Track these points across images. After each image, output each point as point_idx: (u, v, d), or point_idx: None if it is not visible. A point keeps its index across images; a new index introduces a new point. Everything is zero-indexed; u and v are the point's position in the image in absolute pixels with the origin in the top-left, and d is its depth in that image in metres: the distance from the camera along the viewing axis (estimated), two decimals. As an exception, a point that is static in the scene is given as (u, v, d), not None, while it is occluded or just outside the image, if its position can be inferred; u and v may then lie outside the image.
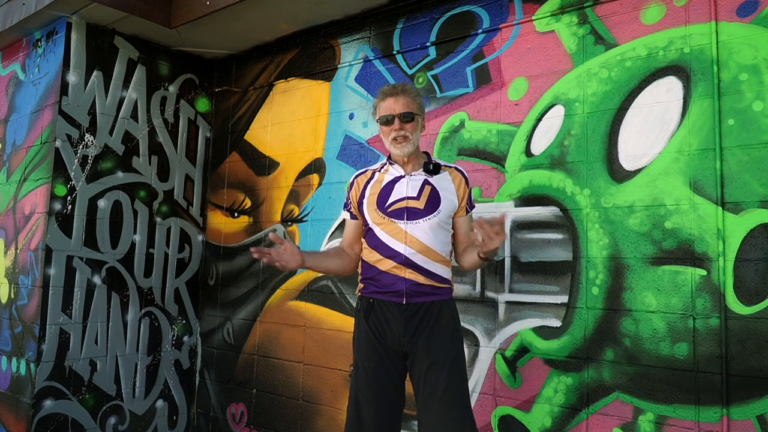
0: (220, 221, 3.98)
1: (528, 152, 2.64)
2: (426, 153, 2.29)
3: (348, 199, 2.32)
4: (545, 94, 2.62)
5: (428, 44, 3.04)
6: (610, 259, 2.38)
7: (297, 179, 3.55)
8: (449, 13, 2.99)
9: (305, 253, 2.21)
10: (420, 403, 2.06)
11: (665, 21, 2.35)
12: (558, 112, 2.58)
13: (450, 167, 2.24)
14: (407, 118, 2.15)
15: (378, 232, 2.18)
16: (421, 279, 2.11)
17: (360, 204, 2.26)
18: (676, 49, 2.31)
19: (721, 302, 2.13)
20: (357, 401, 2.13)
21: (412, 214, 2.13)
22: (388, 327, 2.11)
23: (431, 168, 2.19)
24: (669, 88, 2.31)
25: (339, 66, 3.43)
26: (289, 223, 3.56)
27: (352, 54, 3.38)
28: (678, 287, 2.23)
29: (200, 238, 4.04)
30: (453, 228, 2.22)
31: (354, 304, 3.17)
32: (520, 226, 2.63)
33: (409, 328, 2.08)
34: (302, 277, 3.45)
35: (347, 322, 3.19)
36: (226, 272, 3.88)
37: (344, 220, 3.23)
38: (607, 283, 2.39)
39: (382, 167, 2.27)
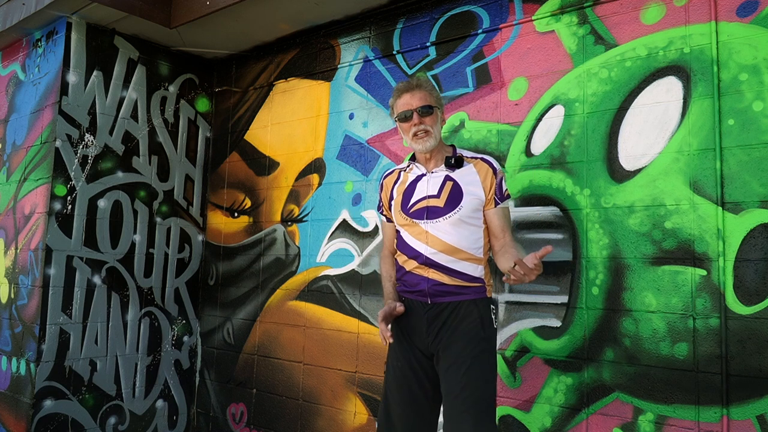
0: (220, 221, 3.98)
1: (528, 152, 2.64)
2: (452, 146, 2.22)
3: (380, 201, 2.32)
4: (545, 94, 2.62)
5: (428, 44, 3.04)
6: (610, 259, 2.38)
7: (297, 179, 3.55)
8: (449, 13, 2.99)
9: (390, 302, 2.14)
10: (443, 405, 2.02)
11: (665, 21, 2.35)
12: (558, 112, 2.58)
13: (476, 158, 2.14)
14: (426, 111, 2.10)
15: (403, 233, 2.17)
16: (445, 279, 2.06)
17: (390, 206, 2.25)
18: (676, 49, 2.31)
19: (721, 302, 2.13)
20: (386, 401, 2.12)
21: (432, 213, 2.08)
22: (414, 327, 2.08)
23: (453, 162, 2.11)
24: (669, 89, 2.31)
25: (339, 66, 3.43)
26: (289, 223, 3.56)
27: (352, 54, 3.38)
28: (678, 287, 2.22)
29: (200, 238, 4.03)
30: (485, 222, 2.11)
31: (354, 305, 3.18)
32: (520, 226, 2.63)
33: (433, 328, 2.04)
34: (302, 277, 3.45)
35: (347, 322, 3.19)
36: (226, 272, 3.88)
37: (344, 219, 3.27)
38: (607, 283, 2.38)
39: (408, 166, 2.23)
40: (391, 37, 3.20)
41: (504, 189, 2.12)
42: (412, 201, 2.14)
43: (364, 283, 3.15)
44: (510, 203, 2.20)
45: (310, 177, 3.49)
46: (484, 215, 2.10)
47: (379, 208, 2.34)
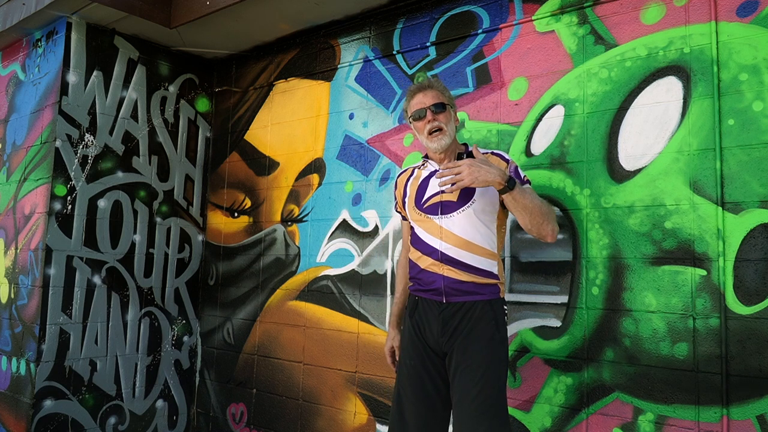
0: (220, 221, 3.98)
1: (528, 152, 2.64)
2: (464, 144, 2.24)
3: (395, 199, 2.34)
4: (545, 94, 2.62)
5: (428, 44, 3.04)
6: (610, 259, 2.38)
7: (297, 179, 3.55)
8: (449, 13, 2.99)
9: (394, 329, 2.35)
10: (453, 407, 2.01)
11: (665, 21, 2.35)
12: (558, 112, 2.58)
13: (487, 153, 2.14)
14: (439, 108, 2.12)
15: (417, 229, 2.18)
16: (462, 276, 2.04)
17: (404, 204, 2.26)
18: (676, 49, 2.31)
19: (721, 302, 2.13)
20: (399, 399, 2.12)
21: (446, 208, 2.09)
22: (428, 327, 2.08)
23: (465, 157, 2.09)
24: (669, 89, 2.31)
25: (339, 66, 3.43)
26: (289, 223, 3.56)
27: (352, 54, 3.38)
28: (678, 287, 2.22)
29: (200, 238, 4.03)
30: (501, 215, 2.13)
31: (354, 305, 3.18)
32: (519, 226, 2.62)
33: (448, 328, 2.03)
34: (302, 277, 3.45)
35: (347, 322, 3.19)
36: (226, 272, 3.88)
37: (344, 219, 3.27)
38: (607, 283, 2.38)
39: (422, 164, 2.25)
40: (391, 37, 3.20)
41: (522, 174, 2.11)
42: (426, 196, 2.16)
43: (364, 283, 3.15)
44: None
45: (310, 177, 3.49)
46: (503, 205, 2.08)
47: (396, 207, 2.36)
